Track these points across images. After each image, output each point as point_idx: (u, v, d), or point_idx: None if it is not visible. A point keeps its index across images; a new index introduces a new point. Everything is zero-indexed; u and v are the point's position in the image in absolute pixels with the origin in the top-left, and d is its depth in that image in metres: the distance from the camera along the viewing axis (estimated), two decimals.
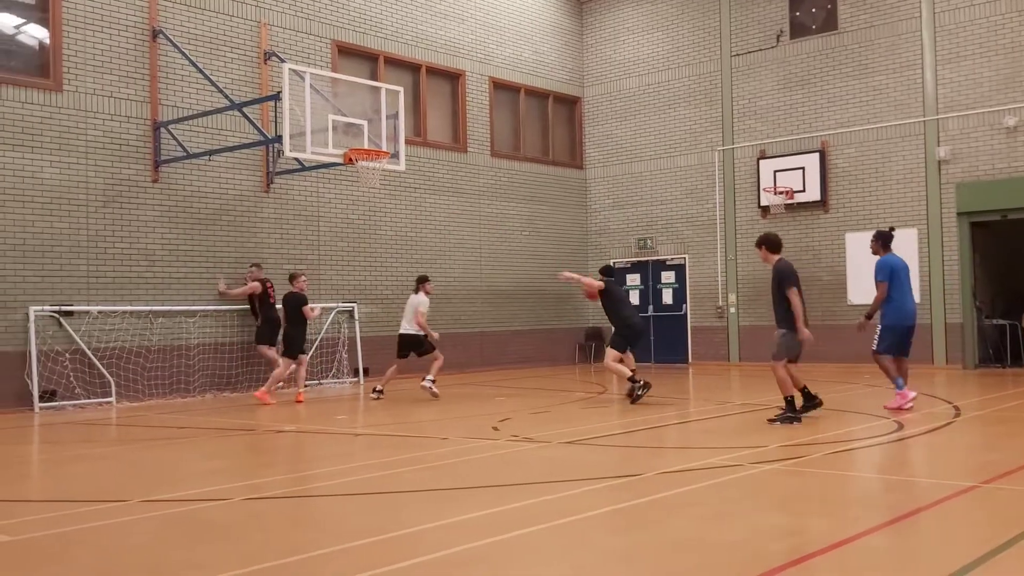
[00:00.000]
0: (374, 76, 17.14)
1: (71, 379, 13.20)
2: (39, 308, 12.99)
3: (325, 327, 16.20)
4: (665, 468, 7.36)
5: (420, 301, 13.48)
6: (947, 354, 16.94)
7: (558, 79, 21.38)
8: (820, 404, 9.95)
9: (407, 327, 13.53)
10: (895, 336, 10.69)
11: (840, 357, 17.34)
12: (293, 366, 13.41)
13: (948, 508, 5.78)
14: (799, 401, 9.81)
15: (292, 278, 13.64)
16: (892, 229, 11.35)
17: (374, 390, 13.58)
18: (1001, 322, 17.38)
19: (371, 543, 5.14)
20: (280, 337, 13.96)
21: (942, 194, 16.97)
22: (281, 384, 13.74)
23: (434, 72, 18.76)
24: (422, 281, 13.74)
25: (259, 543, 5.26)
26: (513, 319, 19.88)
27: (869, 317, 10.91)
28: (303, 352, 13.64)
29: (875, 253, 11.04)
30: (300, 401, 13.17)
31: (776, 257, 10.04)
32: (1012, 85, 16.34)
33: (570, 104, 21.84)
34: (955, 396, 12.22)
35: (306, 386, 14.06)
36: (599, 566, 4.67)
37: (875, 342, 10.78)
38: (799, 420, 9.64)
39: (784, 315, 9.83)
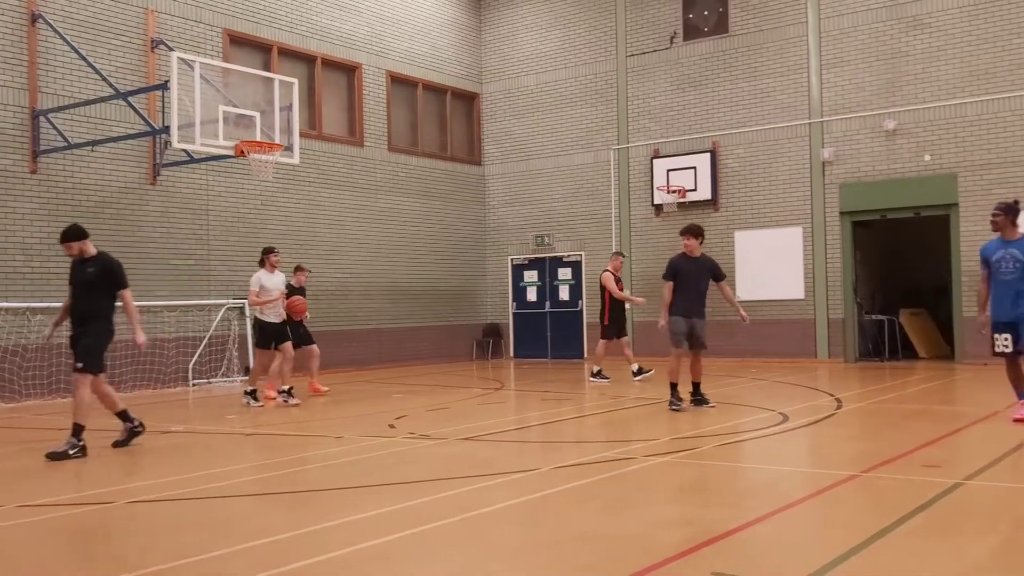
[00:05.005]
0: (267, 67, 16.76)
1: None
2: None
3: (215, 324, 15.78)
4: (561, 462, 7.42)
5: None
6: (829, 348, 17.59)
7: (456, 75, 21.32)
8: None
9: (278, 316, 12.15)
10: None
11: (729, 352, 17.81)
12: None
13: (832, 496, 5.98)
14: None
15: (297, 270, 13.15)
16: (1016, 202, 9.07)
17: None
18: (880, 317, 18.14)
19: (267, 544, 5.02)
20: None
21: (826, 194, 17.59)
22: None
23: (330, 64, 18.47)
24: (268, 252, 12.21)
25: (144, 548, 5.07)
26: (410, 315, 19.75)
27: None
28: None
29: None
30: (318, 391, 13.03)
31: None
32: (892, 90, 17.06)
33: (468, 100, 21.81)
34: (837, 389, 12.70)
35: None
36: (496, 561, 4.67)
37: None
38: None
39: None
